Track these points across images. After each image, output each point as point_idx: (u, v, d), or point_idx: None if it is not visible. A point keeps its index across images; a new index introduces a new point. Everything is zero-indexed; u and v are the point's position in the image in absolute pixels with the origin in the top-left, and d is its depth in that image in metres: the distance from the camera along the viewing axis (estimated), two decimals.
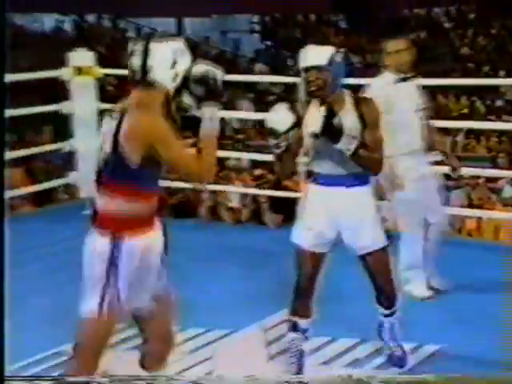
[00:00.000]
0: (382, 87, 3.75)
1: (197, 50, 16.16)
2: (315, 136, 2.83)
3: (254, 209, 5.58)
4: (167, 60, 2.38)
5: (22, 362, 3.18)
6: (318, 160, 2.96)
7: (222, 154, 5.98)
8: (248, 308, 3.80)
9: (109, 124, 2.37)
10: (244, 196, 5.62)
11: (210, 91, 2.40)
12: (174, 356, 3.32)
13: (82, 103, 5.51)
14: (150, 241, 2.38)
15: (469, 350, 3.29)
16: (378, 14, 16.54)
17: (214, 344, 3.44)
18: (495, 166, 8.13)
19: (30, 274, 4.28)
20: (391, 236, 3.16)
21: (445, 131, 8.20)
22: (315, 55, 2.85)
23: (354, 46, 15.97)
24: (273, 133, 2.89)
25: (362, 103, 2.94)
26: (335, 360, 3.34)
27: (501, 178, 7.31)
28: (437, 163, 4.16)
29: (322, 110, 2.82)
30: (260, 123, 9.85)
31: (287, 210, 5.26)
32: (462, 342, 3.38)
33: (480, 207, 6.54)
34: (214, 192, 5.67)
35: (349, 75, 3.12)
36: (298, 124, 2.86)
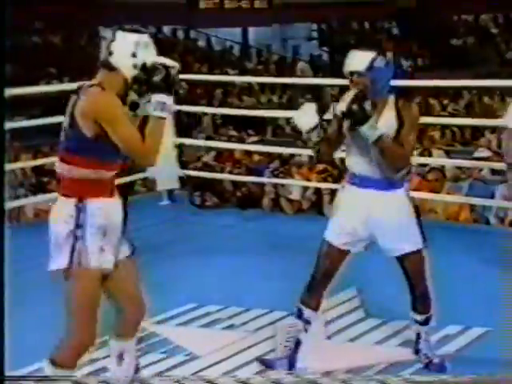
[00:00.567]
0: None
1: (260, 56, 16.22)
2: (342, 115, 2.69)
3: (315, 200, 5.56)
4: (128, 49, 2.38)
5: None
6: (354, 157, 2.83)
7: (285, 150, 6.03)
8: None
9: (71, 101, 2.38)
10: (304, 188, 5.60)
11: (162, 80, 2.35)
12: (239, 334, 3.37)
13: None
14: (111, 205, 2.41)
15: None
16: (428, 21, 16.22)
17: (277, 324, 3.43)
18: None
19: None
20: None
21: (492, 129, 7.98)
22: (356, 60, 2.76)
23: (405, 51, 15.71)
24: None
25: (403, 105, 2.79)
26: (386, 341, 3.29)
27: None
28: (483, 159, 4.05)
29: (352, 92, 2.70)
30: None
31: None
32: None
33: None
34: (276, 185, 5.68)
35: (396, 78, 2.99)
36: (321, 125, 2.82)
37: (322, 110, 2.87)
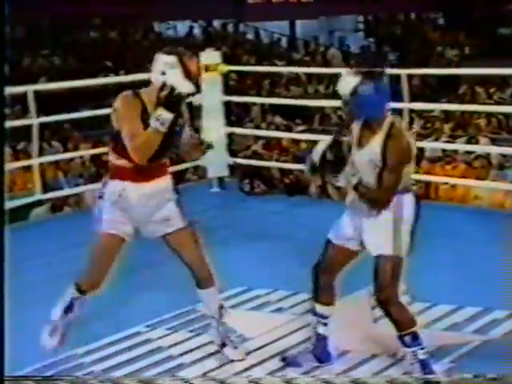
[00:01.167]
0: None
1: (307, 47, 16.07)
2: (312, 168, 2.66)
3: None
4: (159, 68, 2.71)
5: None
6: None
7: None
8: (355, 275, 3.72)
9: None
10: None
11: (170, 103, 2.65)
12: (287, 316, 3.34)
13: (210, 96, 5.56)
14: (131, 188, 2.74)
15: None
16: (476, 10, 15.76)
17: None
18: None
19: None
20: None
21: None
22: (343, 84, 2.66)
23: (452, 40, 15.32)
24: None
25: (391, 139, 2.59)
26: (432, 325, 3.21)
27: None
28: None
29: (327, 140, 2.67)
30: None
31: None
32: None
33: None
34: None
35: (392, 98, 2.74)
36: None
37: None
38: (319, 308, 2.87)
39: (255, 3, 16.02)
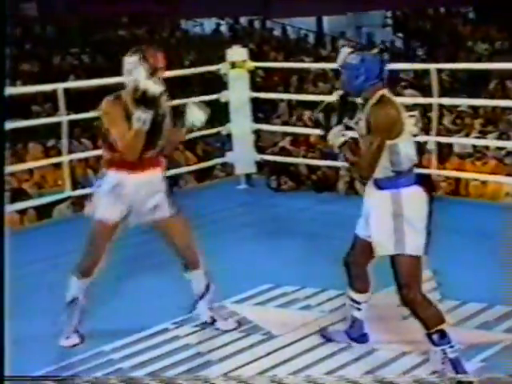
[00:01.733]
0: None
1: (334, 43, 15.96)
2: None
3: None
4: (126, 68, 2.91)
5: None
6: None
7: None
8: (381, 271, 3.68)
9: None
10: None
11: (146, 101, 2.83)
12: (315, 314, 3.31)
13: (237, 92, 5.55)
14: (125, 178, 2.97)
15: None
16: (507, 4, 15.47)
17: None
18: None
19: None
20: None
21: None
22: (339, 57, 2.78)
23: (482, 35, 15.07)
24: None
25: (377, 107, 2.64)
26: (463, 323, 3.16)
27: None
28: None
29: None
30: None
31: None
32: None
33: None
34: (350, 169, 5.56)
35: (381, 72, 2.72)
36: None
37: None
38: (353, 294, 2.97)
39: None
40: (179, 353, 3.03)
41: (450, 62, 9.30)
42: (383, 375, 2.71)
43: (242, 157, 5.56)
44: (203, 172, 6.49)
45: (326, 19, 17.11)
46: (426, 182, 5.11)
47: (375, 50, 2.74)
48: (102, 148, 3.09)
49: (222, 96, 5.59)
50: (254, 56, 5.98)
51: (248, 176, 5.71)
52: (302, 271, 3.77)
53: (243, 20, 15.72)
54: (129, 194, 2.97)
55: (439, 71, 5.03)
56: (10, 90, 3.73)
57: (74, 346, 3.07)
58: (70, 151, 5.30)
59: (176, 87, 5.87)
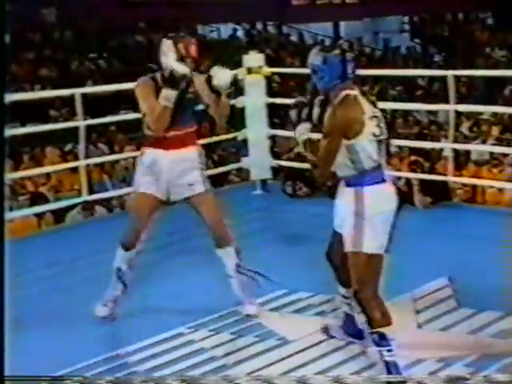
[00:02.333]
0: None
1: (351, 49, 15.97)
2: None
3: (406, 191, 5.40)
4: (161, 50, 3.19)
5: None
6: None
7: None
8: (399, 278, 3.67)
9: None
10: (396, 179, 5.45)
11: (172, 80, 3.11)
12: (330, 320, 3.32)
13: (253, 98, 5.58)
14: (159, 155, 3.20)
15: None
16: None
17: None
18: None
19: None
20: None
21: None
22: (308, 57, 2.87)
23: (500, 41, 14.99)
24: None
25: (335, 107, 2.69)
26: (479, 331, 3.15)
27: None
28: None
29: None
30: (406, 112, 9.53)
31: (435, 193, 5.06)
32: None
33: None
34: None
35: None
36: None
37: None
38: (340, 289, 3.00)
39: (299, 5, 16.00)
40: (194, 357, 3.04)
41: (468, 68, 9.27)
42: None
43: (258, 162, 5.57)
44: (219, 177, 6.52)
45: (342, 24, 17.11)
46: (440, 188, 5.12)
47: (337, 50, 2.75)
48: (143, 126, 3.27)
49: (238, 102, 5.62)
50: (270, 61, 6.01)
51: (263, 182, 5.73)
52: (317, 277, 3.77)
53: (260, 25, 15.76)
54: (164, 170, 3.19)
55: (457, 78, 5.02)
56: (10, 97, 3.81)
57: (104, 317, 3.29)
58: (87, 156, 5.35)
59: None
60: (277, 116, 7.69)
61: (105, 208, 6.06)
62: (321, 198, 5.59)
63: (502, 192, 5.69)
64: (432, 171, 5.36)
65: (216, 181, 6.61)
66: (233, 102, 5.68)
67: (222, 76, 3.14)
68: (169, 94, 3.09)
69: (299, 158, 6.38)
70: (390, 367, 2.66)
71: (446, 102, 4.99)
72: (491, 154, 6.44)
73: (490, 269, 3.69)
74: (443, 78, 4.90)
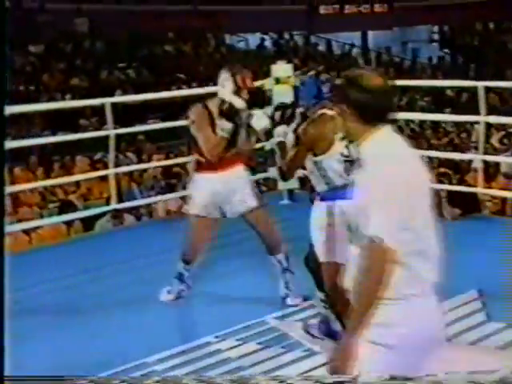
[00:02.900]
0: None
1: (379, 59, 15.93)
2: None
3: (436, 203, 5.37)
4: (220, 81, 3.42)
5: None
6: None
7: None
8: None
9: None
10: None
11: (229, 113, 3.37)
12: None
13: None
14: (208, 178, 3.46)
15: None
16: None
17: None
18: None
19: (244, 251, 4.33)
20: None
21: None
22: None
23: None
24: None
25: (308, 122, 2.93)
26: (509, 346, 3.10)
27: None
28: None
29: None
30: (435, 123, 9.48)
31: (464, 205, 5.02)
32: None
33: None
34: None
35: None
36: None
37: None
38: (317, 293, 3.17)
39: (327, 14, 16.01)
40: (220, 366, 3.06)
41: (498, 79, 9.18)
42: None
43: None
44: None
45: (370, 34, 17.08)
46: (469, 200, 5.08)
47: (312, 72, 3.12)
48: (193, 152, 3.65)
49: (266, 111, 5.65)
50: (297, 71, 6.02)
51: (291, 191, 5.73)
52: None
53: (288, 35, 15.81)
54: (217, 191, 3.46)
55: (487, 89, 4.99)
56: (10, 110, 3.90)
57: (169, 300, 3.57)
58: (116, 164, 5.42)
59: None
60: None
61: (133, 216, 6.13)
62: None
63: None
64: (461, 183, 5.32)
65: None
66: (262, 110, 5.72)
67: (261, 121, 3.42)
68: (226, 126, 3.36)
69: None
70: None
71: (476, 113, 4.96)
72: None
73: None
74: (473, 89, 4.87)
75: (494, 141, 7.76)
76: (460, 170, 5.61)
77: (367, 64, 15.18)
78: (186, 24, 13.22)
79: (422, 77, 13.89)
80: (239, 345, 3.24)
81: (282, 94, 5.64)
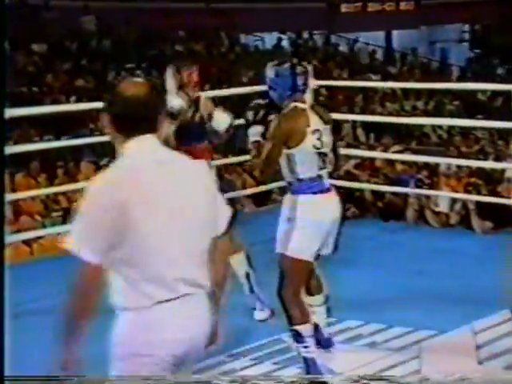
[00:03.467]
0: None
1: (404, 60, 15.91)
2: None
3: (464, 214, 5.34)
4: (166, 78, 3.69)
5: None
6: None
7: (432, 159, 5.89)
8: (455, 310, 3.63)
9: None
10: (453, 201, 5.40)
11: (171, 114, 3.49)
12: (381, 353, 3.30)
13: None
14: None
15: None
16: None
17: (422, 343, 3.32)
18: None
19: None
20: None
21: None
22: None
23: None
24: None
25: (280, 116, 3.07)
26: None
27: None
28: None
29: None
30: (463, 129, 9.44)
31: (497, 218, 4.99)
32: None
33: None
34: (419, 196, 5.53)
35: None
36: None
37: None
38: (305, 298, 3.21)
39: (348, 12, 16.03)
40: None
41: None
42: None
43: None
44: (262, 196, 6.56)
45: (395, 33, 17.06)
46: (502, 213, 5.04)
47: (287, 64, 3.14)
48: None
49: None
50: (317, 73, 6.04)
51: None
52: (367, 305, 3.76)
53: (306, 34, 15.84)
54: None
55: None
56: (11, 113, 3.95)
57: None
58: None
59: (237, 105, 5.97)
60: None
61: None
62: (370, 220, 5.58)
63: None
64: (493, 194, 5.29)
65: (259, 199, 6.67)
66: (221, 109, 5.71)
67: (220, 121, 3.52)
68: (167, 131, 3.41)
69: (348, 176, 6.39)
70: (308, 363, 3.04)
71: (510, 118, 4.94)
72: None
73: None
74: (508, 93, 4.85)
75: None
76: (492, 181, 5.57)
77: (392, 66, 15.17)
78: (198, 22, 13.30)
79: (450, 79, 13.85)
80: (254, 364, 3.24)
81: None
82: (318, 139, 3.01)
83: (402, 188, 5.66)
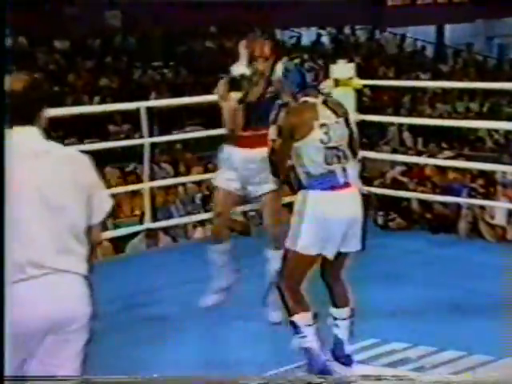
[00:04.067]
0: None
1: (457, 57, 15.80)
2: None
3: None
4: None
5: None
6: None
7: (488, 167, 5.86)
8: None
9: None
10: (510, 213, 5.36)
11: (235, 83, 3.85)
12: (430, 378, 3.28)
13: None
14: (233, 153, 3.88)
15: None
16: None
17: (477, 369, 3.31)
18: None
19: None
20: None
21: None
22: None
23: None
24: None
25: (287, 110, 3.31)
26: None
27: None
28: None
29: None
30: None
31: None
32: None
33: None
34: (473, 207, 5.49)
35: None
36: None
37: None
38: (331, 309, 3.36)
39: (396, 5, 16.00)
40: None
41: None
42: None
43: None
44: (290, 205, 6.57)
45: (448, 28, 16.95)
46: None
47: (296, 61, 3.37)
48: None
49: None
50: (360, 72, 6.05)
51: None
52: (415, 325, 3.76)
53: (348, 29, 15.84)
54: (239, 167, 3.80)
55: None
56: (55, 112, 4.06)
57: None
58: (152, 177, 5.50)
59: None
60: (366, 136, 7.71)
61: (169, 236, 6.21)
62: (417, 232, 5.56)
63: None
64: None
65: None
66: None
67: (239, 68, 3.79)
68: (232, 96, 3.71)
69: (393, 184, 6.39)
70: (306, 353, 3.26)
71: None
72: None
73: None
74: None
75: None
76: None
77: (443, 63, 15.07)
78: (229, 17, 13.40)
79: (510, 78, 13.71)
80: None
81: (343, 98, 5.67)
82: (326, 133, 3.19)
83: (454, 198, 5.63)
